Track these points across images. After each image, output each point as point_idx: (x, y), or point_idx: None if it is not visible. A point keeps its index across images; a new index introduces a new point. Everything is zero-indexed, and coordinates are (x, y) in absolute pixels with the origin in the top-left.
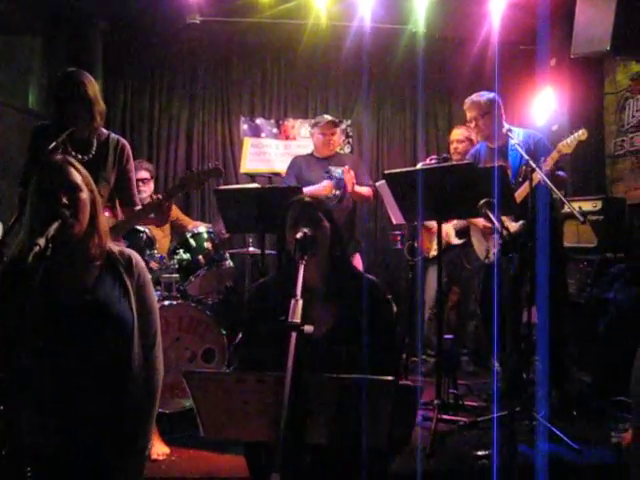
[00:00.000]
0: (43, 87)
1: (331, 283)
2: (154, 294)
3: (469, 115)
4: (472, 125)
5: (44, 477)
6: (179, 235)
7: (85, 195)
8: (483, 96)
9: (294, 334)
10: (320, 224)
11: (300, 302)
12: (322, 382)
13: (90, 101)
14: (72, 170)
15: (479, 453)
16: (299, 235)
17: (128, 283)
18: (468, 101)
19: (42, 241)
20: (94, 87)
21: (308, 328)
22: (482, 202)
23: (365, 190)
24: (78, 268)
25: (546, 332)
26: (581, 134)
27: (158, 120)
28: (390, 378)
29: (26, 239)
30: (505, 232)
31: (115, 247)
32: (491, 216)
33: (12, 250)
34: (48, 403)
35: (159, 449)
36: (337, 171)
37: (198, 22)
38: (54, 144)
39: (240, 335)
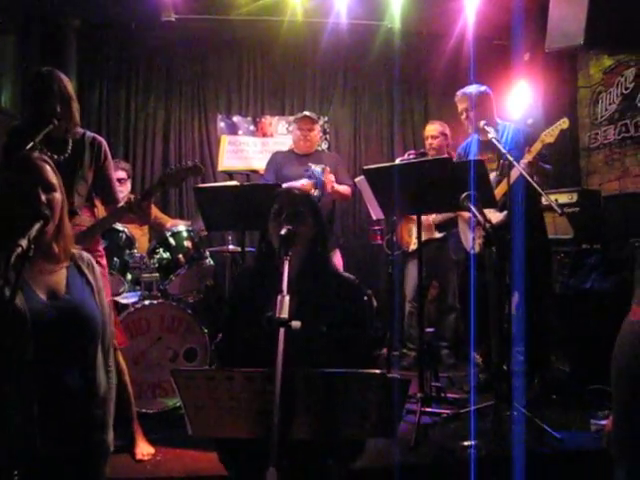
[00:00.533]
0: (16, 86)
1: (307, 278)
2: (105, 298)
3: (460, 107)
4: (463, 117)
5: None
6: (158, 234)
7: (59, 196)
8: (475, 88)
9: (282, 330)
10: (304, 219)
11: (287, 298)
12: (311, 377)
13: (67, 99)
14: (49, 169)
15: (465, 444)
16: (283, 231)
17: (93, 283)
18: (459, 93)
19: (24, 242)
20: (70, 85)
21: (295, 324)
22: (463, 196)
23: (343, 189)
24: (47, 271)
25: (525, 322)
26: (562, 122)
27: (134, 119)
28: (379, 371)
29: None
30: (488, 225)
31: (74, 249)
32: (474, 210)
33: None
34: (29, 405)
35: (144, 449)
36: (317, 170)
37: (173, 20)
38: (31, 144)
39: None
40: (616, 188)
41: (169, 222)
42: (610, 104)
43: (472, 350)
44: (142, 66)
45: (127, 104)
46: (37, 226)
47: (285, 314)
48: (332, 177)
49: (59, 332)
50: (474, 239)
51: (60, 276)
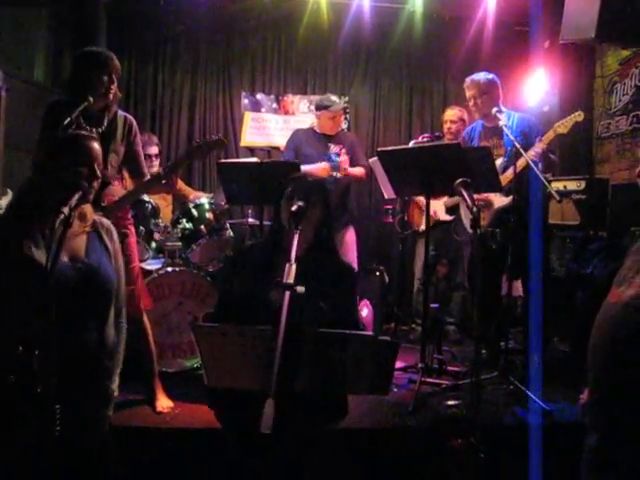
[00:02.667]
0: (49, 60)
1: (308, 257)
2: (122, 261)
3: (468, 93)
4: (471, 103)
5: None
6: (181, 204)
7: (99, 170)
8: (483, 76)
9: (288, 293)
10: (314, 204)
11: (294, 266)
12: (311, 335)
13: (118, 79)
14: (95, 145)
15: (449, 403)
16: (294, 207)
17: (110, 248)
18: (468, 80)
19: (66, 210)
20: (119, 67)
21: (300, 289)
22: (458, 182)
23: (357, 171)
24: (69, 235)
25: (534, 304)
26: (577, 115)
27: (161, 93)
28: (370, 333)
29: (46, 204)
30: (475, 209)
31: (95, 217)
32: (465, 195)
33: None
34: (50, 352)
35: (163, 403)
36: (334, 155)
37: None
38: (68, 119)
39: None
40: (626, 177)
41: (192, 194)
42: (624, 95)
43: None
44: (169, 42)
45: (154, 79)
46: (77, 196)
47: (291, 279)
48: (346, 158)
49: (77, 291)
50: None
51: (81, 241)
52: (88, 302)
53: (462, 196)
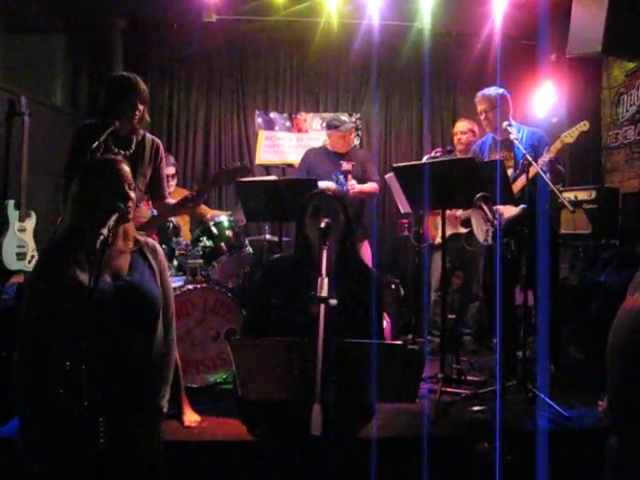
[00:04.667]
0: (67, 84)
1: (337, 267)
2: (169, 278)
3: (479, 108)
4: (482, 117)
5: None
6: (199, 223)
7: (133, 194)
8: (494, 91)
9: (323, 305)
10: (337, 216)
11: (326, 280)
12: (343, 345)
13: (147, 102)
14: (125, 167)
15: (474, 408)
16: (323, 225)
17: (155, 266)
18: (479, 95)
19: (105, 231)
20: (147, 91)
21: (333, 302)
22: (478, 196)
23: (369, 187)
24: (113, 255)
25: (545, 313)
26: (583, 125)
27: (177, 114)
28: (399, 342)
29: (75, 226)
30: (495, 222)
31: (140, 237)
32: (485, 209)
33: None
34: (96, 367)
35: (191, 417)
36: (342, 178)
37: (214, 20)
38: (97, 143)
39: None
40: (635, 186)
41: (209, 213)
42: (631, 105)
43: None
44: (184, 64)
45: (170, 100)
46: (114, 217)
47: (325, 293)
48: (355, 183)
49: (119, 308)
50: (487, 232)
51: (124, 260)
52: (131, 319)
53: (482, 209)
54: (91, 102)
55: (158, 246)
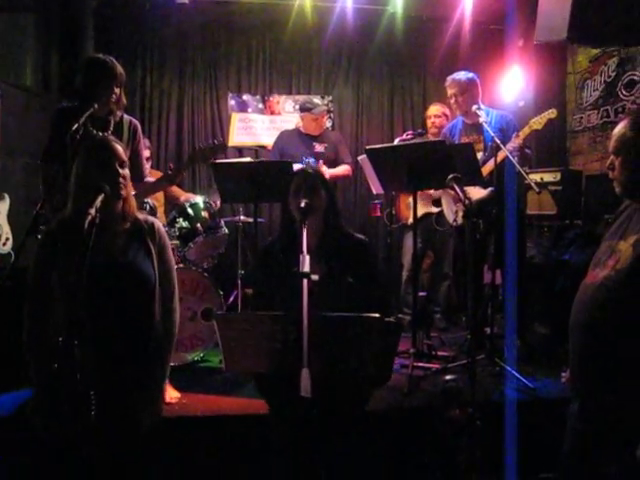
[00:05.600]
0: (37, 64)
1: (324, 242)
2: (172, 256)
3: (450, 92)
4: (452, 101)
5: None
6: (172, 205)
7: (127, 171)
8: (464, 75)
9: (305, 280)
10: (318, 193)
11: (307, 256)
12: (321, 319)
13: (122, 83)
14: (120, 148)
15: (447, 377)
16: (302, 204)
17: (151, 246)
18: (449, 79)
19: (93, 211)
20: (123, 74)
21: (314, 276)
22: (450, 177)
23: (342, 170)
24: (110, 233)
25: (512, 291)
26: (551, 112)
27: (149, 96)
28: (377, 315)
29: (75, 207)
30: (467, 202)
31: (140, 215)
32: (457, 189)
33: (58, 215)
34: (91, 344)
35: (171, 394)
36: (312, 163)
37: (187, 2)
38: (76, 125)
39: (251, 290)
40: (598, 169)
41: (183, 196)
42: (594, 90)
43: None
44: (157, 46)
45: (142, 82)
46: (100, 198)
47: (307, 268)
48: (326, 169)
49: (112, 287)
50: (456, 212)
51: (120, 239)
52: (124, 298)
53: (454, 190)
54: (62, 83)
55: (159, 225)
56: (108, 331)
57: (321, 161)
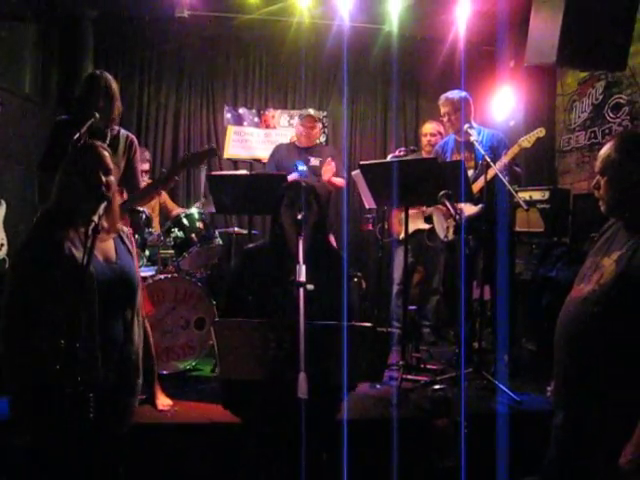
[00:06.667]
0: (37, 73)
1: (311, 254)
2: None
3: (443, 110)
4: (445, 119)
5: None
6: (165, 218)
7: (112, 179)
8: (457, 94)
9: (302, 289)
10: (311, 207)
11: (304, 266)
12: (317, 327)
13: (111, 96)
14: (107, 155)
15: (435, 387)
16: (300, 216)
17: (132, 252)
18: (443, 97)
19: (96, 218)
20: (115, 86)
21: (310, 286)
22: (441, 193)
23: (339, 181)
24: (103, 239)
25: (502, 307)
26: (539, 131)
27: (146, 107)
28: (369, 324)
29: (70, 213)
30: (458, 217)
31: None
32: (448, 205)
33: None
34: (90, 345)
35: (164, 401)
36: (303, 170)
37: (186, 16)
38: (77, 134)
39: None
40: (585, 188)
41: (175, 210)
42: (582, 112)
43: (462, 327)
44: (155, 58)
45: (140, 93)
46: (103, 205)
47: (303, 278)
48: (333, 165)
49: (114, 289)
50: (447, 228)
51: (110, 245)
52: (121, 300)
53: (446, 206)
54: (61, 92)
55: (130, 232)
56: (108, 332)
57: (329, 159)
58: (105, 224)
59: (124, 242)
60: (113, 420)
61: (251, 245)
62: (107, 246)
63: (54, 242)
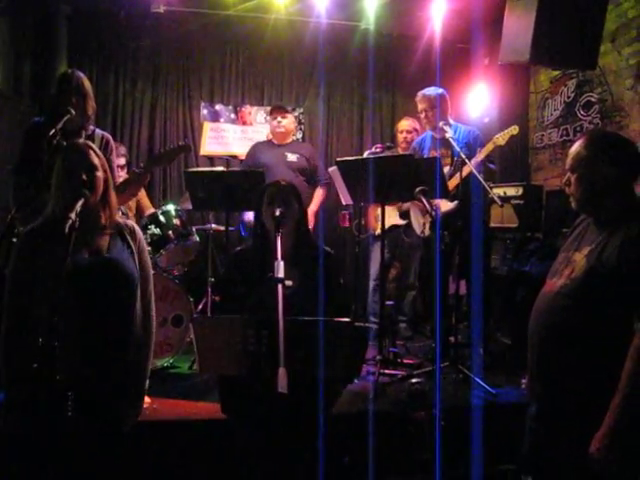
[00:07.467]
0: (10, 68)
1: (295, 252)
2: (149, 262)
3: (420, 107)
4: (422, 116)
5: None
6: (140, 217)
7: (100, 174)
8: (434, 91)
9: (280, 286)
10: (291, 204)
11: (282, 263)
12: (294, 323)
13: (83, 94)
14: (91, 152)
15: (413, 381)
16: (277, 213)
17: (133, 246)
18: (420, 94)
19: (73, 215)
20: (87, 84)
21: (288, 282)
22: (418, 189)
23: (319, 199)
24: (93, 235)
25: (478, 301)
26: (513, 129)
27: (122, 103)
28: (348, 320)
29: (56, 211)
30: (434, 213)
31: (119, 218)
32: (424, 201)
33: (40, 219)
34: (73, 343)
35: None
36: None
37: (162, 12)
38: (53, 130)
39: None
40: (558, 184)
41: (148, 210)
42: (555, 110)
43: (438, 322)
44: (130, 54)
45: (115, 89)
46: (80, 202)
47: (281, 274)
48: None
49: (98, 284)
50: (424, 224)
51: (104, 240)
52: (110, 296)
53: (422, 202)
54: (34, 89)
55: (137, 228)
56: (91, 330)
57: (291, 173)
58: (102, 219)
59: (124, 238)
60: (99, 418)
61: (238, 248)
62: (100, 241)
63: (42, 250)
